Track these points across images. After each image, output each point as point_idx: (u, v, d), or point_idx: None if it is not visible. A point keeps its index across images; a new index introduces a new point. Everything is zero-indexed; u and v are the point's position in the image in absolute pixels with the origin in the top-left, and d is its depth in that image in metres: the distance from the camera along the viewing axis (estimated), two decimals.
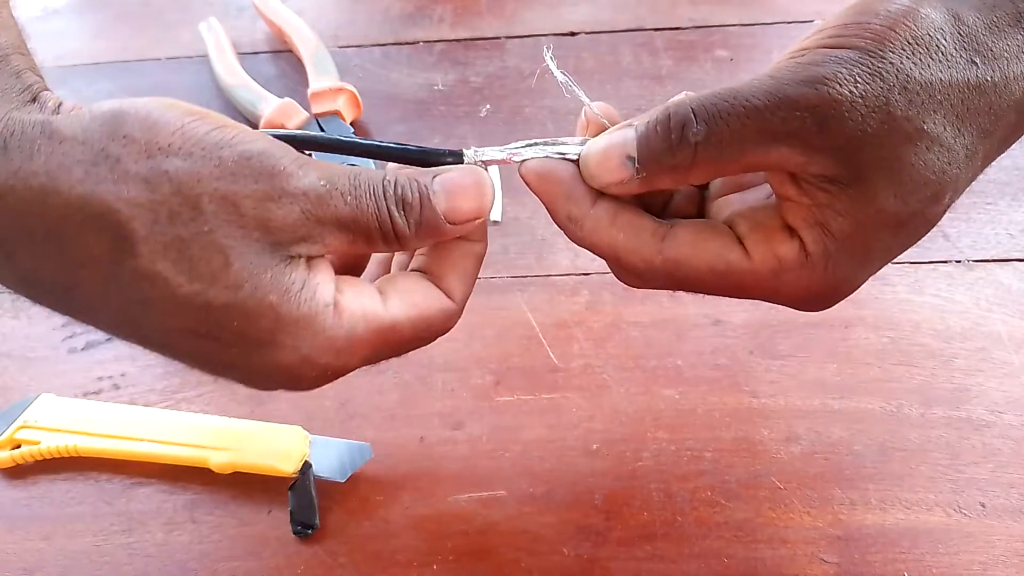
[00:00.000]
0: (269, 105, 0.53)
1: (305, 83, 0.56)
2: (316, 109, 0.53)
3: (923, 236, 0.26)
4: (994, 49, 0.24)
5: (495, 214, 0.49)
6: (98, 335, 0.46)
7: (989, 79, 0.24)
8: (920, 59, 0.23)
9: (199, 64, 0.61)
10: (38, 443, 0.40)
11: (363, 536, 0.37)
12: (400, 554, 0.36)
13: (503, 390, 0.42)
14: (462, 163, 0.28)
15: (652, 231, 0.27)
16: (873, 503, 0.37)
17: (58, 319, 0.47)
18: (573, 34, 0.60)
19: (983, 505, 0.36)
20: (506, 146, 0.28)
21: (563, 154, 0.27)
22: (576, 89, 0.28)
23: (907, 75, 0.23)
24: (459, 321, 0.29)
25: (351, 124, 0.54)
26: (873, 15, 0.24)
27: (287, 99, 0.53)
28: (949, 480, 0.37)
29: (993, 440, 0.38)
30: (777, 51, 0.56)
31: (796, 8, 0.59)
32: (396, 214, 0.25)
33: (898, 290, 0.44)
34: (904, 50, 0.23)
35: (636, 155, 0.25)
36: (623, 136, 0.26)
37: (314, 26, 0.60)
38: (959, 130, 0.24)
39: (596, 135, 0.27)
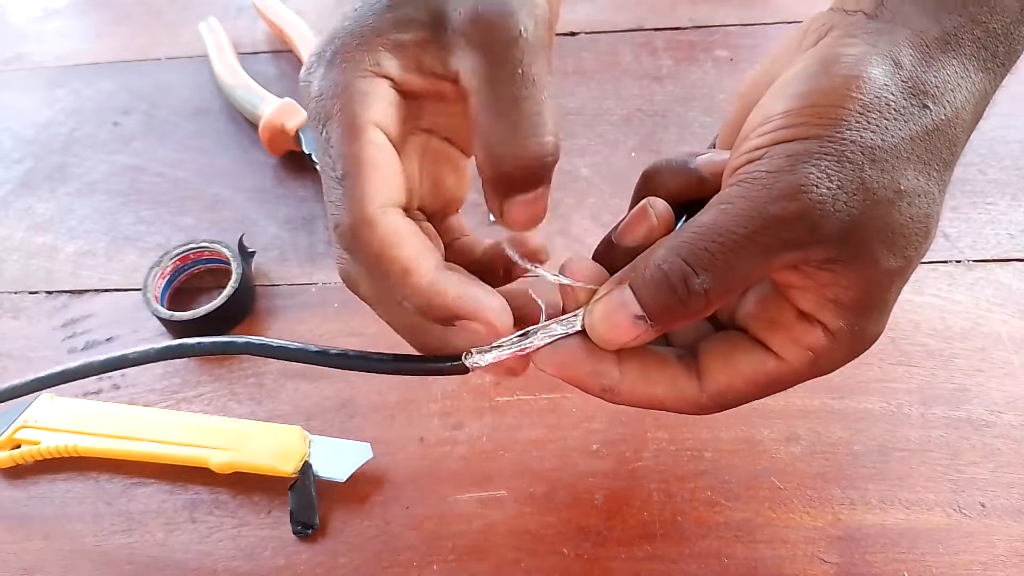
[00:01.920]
0: (269, 105, 0.53)
1: None
2: None
3: (918, 264, 0.26)
4: (938, 85, 0.24)
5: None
6: (98, 335, 0.46)
7: (943, 117, 0.24)
8: (877, 125, 0.23)
9: (199, 64, 0.61)
10: (38, 443, 0.40)
11: (363, 536, 0.37)
12: (400, 554, 0.36)
13: (503, 390, 0.42)
14: (465, 370, 0.28)
15: (686, 374, 0.27)
16: (873, 503, 0.37)
17: (58, 319, 0.47)
18: (573, 34, 0.60)
19: (983, 505, 0.36)
20: (500, 342, 0.27)
21: (565, 332, 0.27)
22: (541, 272, 0.28)
23: (871, 146, 0.23)
24: (428, 352, 0.29)
25: None
26: (818, 95, 0.24)
27: (287, 99, 0.53)
28: (949, 480, 0.37)
29: (993, 440, 0.38)
30: None
31: (796, 8, 0.59)
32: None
33: None
34: (859, 123, 0.23)
35: (644, 314, 0.25)
36: (621, 299, 0.25)
37: (314, 26, 0.60)
38: (929, 174, 0.24)
39: (586, 298, 0.27)
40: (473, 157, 0.27)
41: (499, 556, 0.36)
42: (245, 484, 0.39)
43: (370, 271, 0.26)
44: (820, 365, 0.26)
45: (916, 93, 0.24)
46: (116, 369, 0.33)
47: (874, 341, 0.27)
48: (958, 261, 0.45)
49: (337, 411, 0.41)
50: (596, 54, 0.59)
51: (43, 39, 0.65)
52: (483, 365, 0.28)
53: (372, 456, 0.38)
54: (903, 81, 0.24)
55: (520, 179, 0.26)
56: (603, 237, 0.30)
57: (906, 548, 0.35)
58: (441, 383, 0.42)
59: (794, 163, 0.23)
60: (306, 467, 0.38)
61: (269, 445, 0.39)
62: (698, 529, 0.36)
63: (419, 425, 0.41)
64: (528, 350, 0.27)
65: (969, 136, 0.25)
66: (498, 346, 0.28)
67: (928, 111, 0.24)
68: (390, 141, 0.26)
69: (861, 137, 0.23)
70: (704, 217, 0.24)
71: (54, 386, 0.35)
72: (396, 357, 0.29)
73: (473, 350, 0.28)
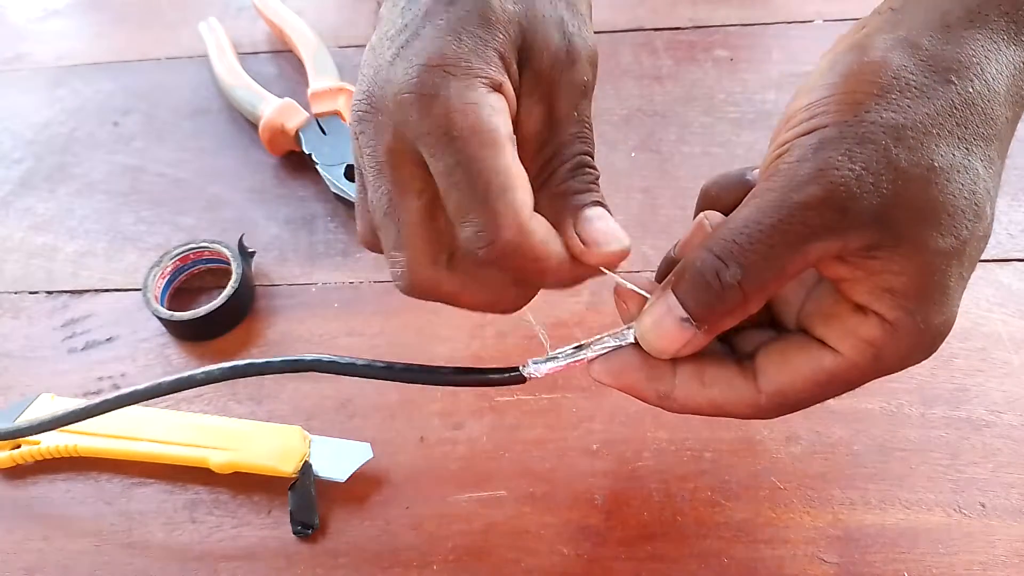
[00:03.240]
0: (269, 105, 0.53)
1: (305, 83, 0.56)
2: (316, 109, 0.53)
3: (983, 249, 0.25)
4: (962, 60, 0.23)
5: None
6: (98, 335, 0.46)
7: (972, 89, 0.23)
8: (898, 105, 0.23)
9: (199, 64, 0.61)
10: (38, 443, 0.40)
11: (363, 536, 0.37)
12: (400, 554, 0.36)
13: (503, 390, 0.42)
14: (523, 380, 0.29)
15: (742, 375, 0.27)
16: (873, 503, 0.37)
17: (58, 319, 0.47)
18: None
19: (983, 505, 0.36)
20: (556, 353, 0.29)
21: (619, 344, 0.28)
22: (610, 273, 0.28)
23: (893, 126, 0.23)
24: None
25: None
26: (834, 86, 0.24)
27: (287, 99, 0.53)
28: (949, 480, 0.37)
29: (993, 440, 0.38)
30: (777, 51, 0.56)
31: (796, 8, 0.59)
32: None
33: None
34: (879, 104, 0.23)
35: (688, 315, 0.25)
36: (666, 304, 0.26)
37: (314, 26, 0.60)
38: (967, 149, 0.23)
39: (637, 309, 0.27)
40: None
41: (499, 556, 0.36)
42: (245, 484, 0.39)
43: (517, 271, 0.26)
44: (884, 359, 0.25)
45: (938, 70, 0.23)
46: (184, 390, 0.34)
47: (944, 333, 0.25)
48: None
49: (337, 411, 0.41)
50: None
51: (43, 39, 0.65)
52: (539, 376, 0.29)
53: (372, 456, 0.38)
54: (923, 60, 0.23)
55: (579, 185, 0.27)
56: (664, 255, 0.31)
57: (906, 548, 0.35)
58: None
59: (816, 150, 0.23)
60: (306, 467, 0.38)
61: (269, 445, 0.39)
62: (698, 529, 0.36)
63: (419, 425, 0.41)
64: (583, 361, 0.28)
65: (1016, 117, 0.25)
66: (554, 357, 0.29)
67: (953, 86, 0.23)
68: None
69: (882, 118, 0.23)
70: (735, 213, 0.24)
71: (118, 408, 0.35)
72: (456, 370, 0.31)
73: (530, 361, 0.29)
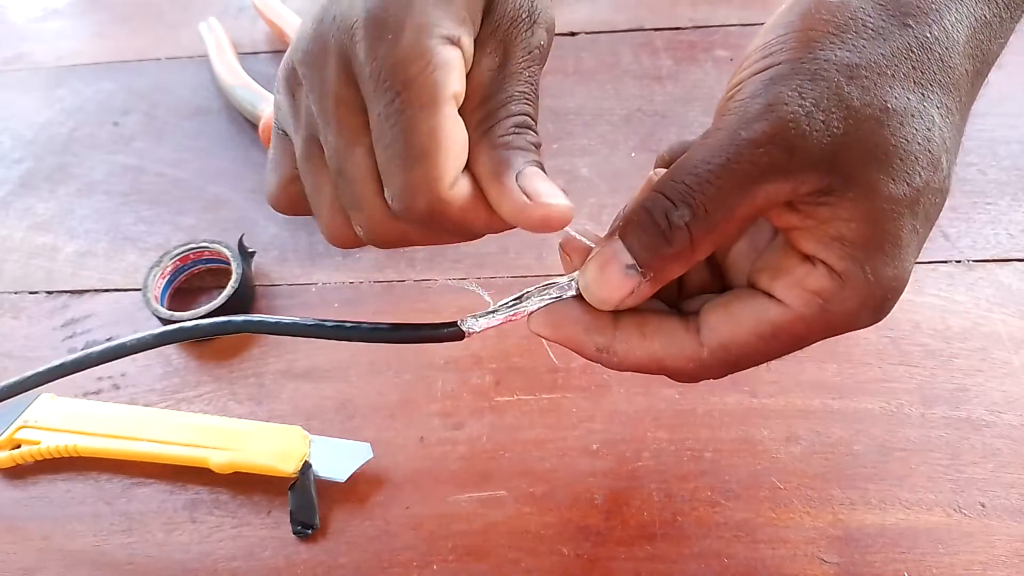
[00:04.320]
0: (269, 105, 0.53)
1: None
2: None
3: (941, 206, 0.24)
4: (920, 5, 0.23)
5: None
6: (98, 335, 0.46)
7: (929, 35, 0.23)
8: (853, 43, 0.23)
9: (199, 64, 0.61)
10: (38, 443, 0.40)
11: (363, 536, 0.37)
12: (400, 554, 0.36)
13: (503, 390, 0.42)
14: (462, 335, 0.28)
15: (684, 327, 0.26)
16: (873, 503, 0.37)
17: (58, 319, 0.47)
18: (573, 34, 0.60)
19: (983, 505, 0.36)
20: (496, 307, 0.27)
21: (559, 296, 0.27)
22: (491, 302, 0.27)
23: (847, 64, 0.22)
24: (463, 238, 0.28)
25: None
26: (790, 24, 0.24)
27: None
28: (949, 480, 0.37)
29: (993, 440, 0.38)
30: None
31: None
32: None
33: None
34: (833, 42, 0.23)
35: (635, 260, 0.24)
36: (612, 249, 0.25)
37: None
38: (923, 94, 0.23)
39: (581, 261, 0.27)
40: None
41: (499, 556, 0.36)
42: (245, 484, 0.39)
43: (440, 230, 0.26)
44: (831, 312, 0.24)
45: (896, 13, 0.23)
46: (114, 359, 0.33)
47: (896, 289, 0.24)
48: (958, 261, 0.45)
49: (337, 411, 0.41)
50: (596, 54, 0.59)
51: (43, 39, 0.65)
52: (478, 330, 0.28)
53: (372, 456, 0.38)
54: (879, 3, 0.23)
55: (520, 141, 0.25)
56: (615, 215, 0.29)
57: (906, 548, 0.35)
58: (441, 382, 0.42)
59: (767, 86, 0.23)
60: (306, 467, 0.38)
61: (269, 445, 0.39)
62: (698, 529, 0.36)
63: (419, 425, 0.41)
64: (522, 315, 0.27)
65: (976, 64, 0.24)
66: (493, 311, 0.28)
67: (910, 29, 0.23)
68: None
69: (836, 56, 0.22)
70: (685, 155, 0.24)
71: (51, 381, 0.34)
72: (393, 326, 0.29)
73: (468, 316, 0.28)
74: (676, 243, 0.24)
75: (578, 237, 0.27)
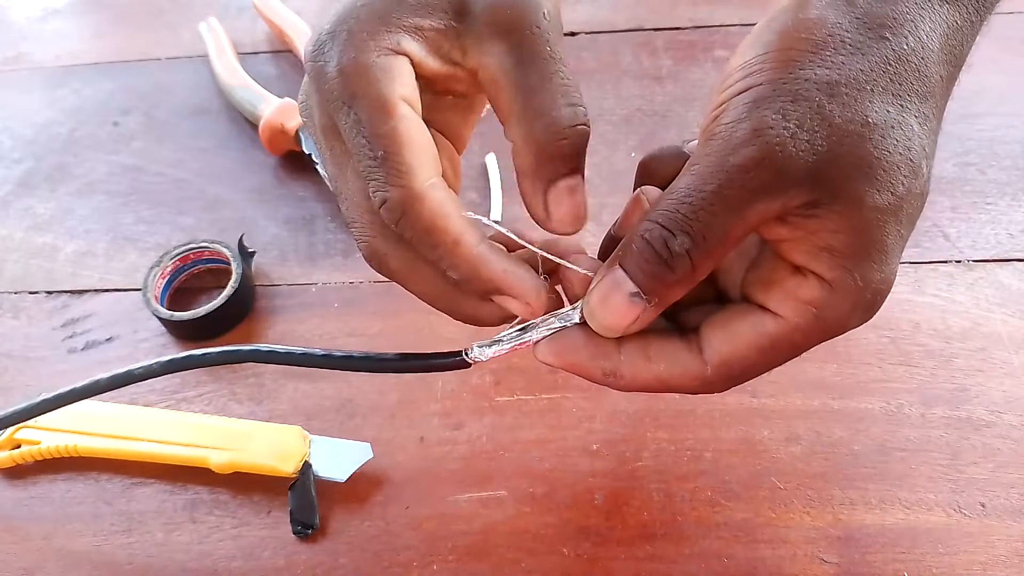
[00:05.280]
0: (269, 105, 0.53)
1: None
2: None
3: (922, 208, 0.25)
4: (895, 16, 0.24)
5: (495, 213, 0.49)
6: (98, 335, 0.46)
7: (905, 46, 0.23)
8: (832, 60, 0.23)
9: (199, 64, 0.61)
10: (38, 443, 0.40)
11: (363, 536, 0.37)
12: (400, 554, 0.36)
13: (503, 390, 0.42)
14: (467, 365, 0.28)
15: (687, 348, 0.27)
16: (873, 503, 0.37)
17: (58, 319, 0.47)
18: (573, 34, 0.60)
19: (983, 505, 0.36)
20: (501, 336, 0.28)
21: (564, 324, 0.27)
22: (544, 253, 0.28)
23: (827, 82, 0.23)
24: (458, 320, 0.29)
25: None
26: (769, 43, 0.24)
27: (287, 99, 0.53)
28: (949, 480, 0.37)
29: (993, 440, 0.38)
30: None
31: None
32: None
33: (898, 290, 0.44)
34: (812, 61, 0.23)
35: (639, 288, 0.25)
36: (614, 279, 0.25)
37: (314, 26, 0.60)
38: (902, 105, 0.23)
39: (583, 290, 0.27)
40: (511, 147, 0.27)
41: (499, 556, 0.36)
42: (245, 484, 0.39)
43: (418, 243, 0.26)
44: (825, 320, 0.25)
45: (872, 27, 0.23)
46: (121, 386, 0.33)
47: (883, 291, 0.25)
48: (958, 261, 0.45)
49: (337, 411, 0.41)
50: (596, 54, 0.59)
51: (43, 39, 0.65)
52: (484, 360, 0.28)
53: (372, 456, 0.38)
54: (857, 18, 0.24)
55: (560, 154, 0.26)
56: (606, 233, 0.30)
57: (906, 548, 0.35)
58: (441, 382, 0.42)
59: (750, 109, 0.23)
60: (306, 467, 0.38)
61: (269, 445, 0.39)
62: (698, 529, 0.36)
63: (419, 425, 0.41)
64: (526, 344, 0.28)
65: (951, 77, 0.25)
66: (498, 340, 0.28)
67: (887, 42, 0.23)
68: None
69: (816, 74, 0.23)
70: (677, 182, 0.24)
71: (58, 408, 0.35)
72: (400, 356, 0.30)
73: (474, 344, 0.28)
74: (678, 270, 0.24)
75: (575, 269, 0.27)
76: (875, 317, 0.44)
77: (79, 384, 0.34)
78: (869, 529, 0.36)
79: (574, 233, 0.27)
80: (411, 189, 0.25)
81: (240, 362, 0.32)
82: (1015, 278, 0.44)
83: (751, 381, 0.40)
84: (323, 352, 0.31)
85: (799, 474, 0.38)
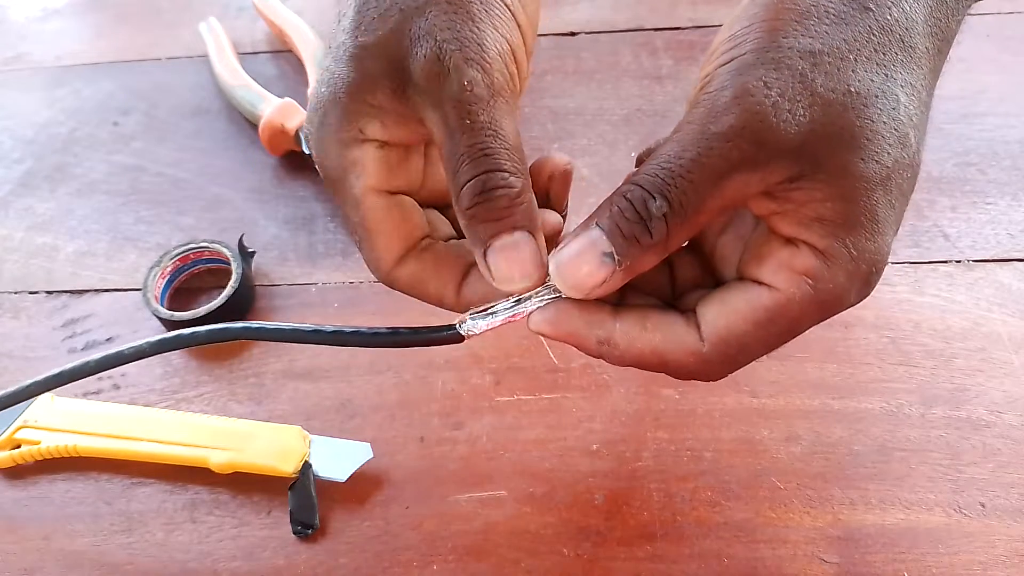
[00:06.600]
0: (269, 105, 0.53)
1: (305, 83, 0.56)
2: None
3: (915, 180, 0.25)
4: None
5: None
6: (98, 335, 0.46)
7: (889, 16, 0.23)
8: (815, 30, 0.23)
9: (199, 64, 0.61)
10: (38, 443, 0.40)
11: (363, 536, 0.37)
12: (400, 554, 0.36)
13: (503, 390, 0.42)
14: (461, 338, 0.28)
15: (685, 322, 0.27)
16: (873, 503, 0.37)
17: (58, 319, 0.47)
18: (573, 34, 0.60)
19: (983, 505, 0.36)
20: (494, 307, 0.27)
21: (557, 295, 0.27)
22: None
23: (810, 51, 0.23)
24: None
25: None
26: (755, 15, 0.24)
27: (287, 99, 0.53)
28: (949, 480, 0.37)
29: (993, 440, 0.38)
30: None
31: None
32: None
33: (898, 290, 0.44)
34: (796, 30, 0.23)
35: (613, 248, 0.24)
36: (589, 236, 0.25)
37: (314, 26, 0.60)
38: (886, 75, 0.23)
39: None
40: None
41: (499, 556, 0.36)
42: (245, 484, 0.39)
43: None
44: (821, 291, 0.25)
45: None
46: (112, 367, 0.33)
47: (879, 263, 0.25)
48: (958, 261, 0.45)
49: (337, 411, 0.41)
50: (596, 54, 0.59)
51: (43, 39, 0.65)
52: (477, 332, 0.28)
53: (372, 456, 0.38)
54: None
55: (482, 218, 0.25)
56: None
57: (906, 548, 0.35)
58: (441, 382, 0.42)
59: (733, 77, 0.23)
60: (306, 467, 0.38)
61: (269, 445, 0.39)
62: (698, 529, 0.36)
63: (419, 425, 0.41)
64: (521, 315, 0.27)
65: (939, 51, 0.25)
66: (492, 312, 0.27)
67: (871, 12, 0.23)
68: (388, 191, 0.28)
69: (799, 43, 0.23)
70: (659, 148, 0.24)
71: (49, 390, 0.34)
72: (391, 331, 0.30)
73: (467, 315, 0.28)
74: (655, 233, 0.24)
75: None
76: (875, 317, 0.44)
77: (68, 366, 0.33)
78: (869, 529, 0.36)
79: (527, 290, 0.26)
80: (385, 273, 0.29)
81: (230, 340, 0.31)
82: (1015, 278, 0.44)
83: (751, 381, 0.41)
84: (312, 327, 0.30)
85: (799, 474, 0.38)
